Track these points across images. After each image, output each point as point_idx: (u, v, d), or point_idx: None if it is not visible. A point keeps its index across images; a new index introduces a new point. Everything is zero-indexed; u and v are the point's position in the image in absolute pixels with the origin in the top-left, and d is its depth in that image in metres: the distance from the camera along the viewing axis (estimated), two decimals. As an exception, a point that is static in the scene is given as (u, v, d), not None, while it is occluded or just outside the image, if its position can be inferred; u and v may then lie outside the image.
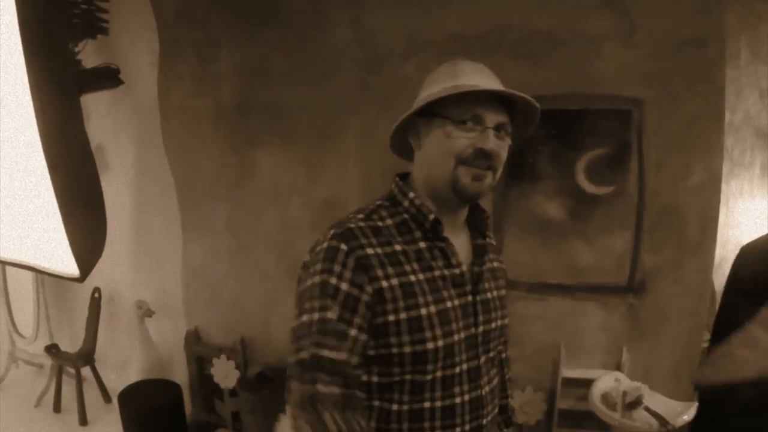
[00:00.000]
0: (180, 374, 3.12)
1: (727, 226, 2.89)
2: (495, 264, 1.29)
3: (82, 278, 2.50)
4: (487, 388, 1.18)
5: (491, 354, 1.21)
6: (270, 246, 2.94)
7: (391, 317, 1.05)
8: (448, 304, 1.10)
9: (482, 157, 1.08)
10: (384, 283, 1.05)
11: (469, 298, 1.15)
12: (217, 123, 2.95)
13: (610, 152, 2.59)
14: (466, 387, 1.13)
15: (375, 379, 1.09)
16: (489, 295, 1.21)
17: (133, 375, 2.97)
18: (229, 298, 3.03)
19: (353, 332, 1.03)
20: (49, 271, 2.61)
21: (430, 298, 1.08)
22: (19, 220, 2.67)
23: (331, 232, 1.08)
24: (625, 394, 2.49)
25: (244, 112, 2.90)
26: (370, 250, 1.06)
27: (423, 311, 1.06)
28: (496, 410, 1.25)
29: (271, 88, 2.85)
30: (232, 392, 2.95)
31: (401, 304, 1.05)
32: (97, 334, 3.20)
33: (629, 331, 2.72)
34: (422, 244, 1.12)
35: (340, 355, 1.02)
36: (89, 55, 2.91)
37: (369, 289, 1.04)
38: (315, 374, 1.00)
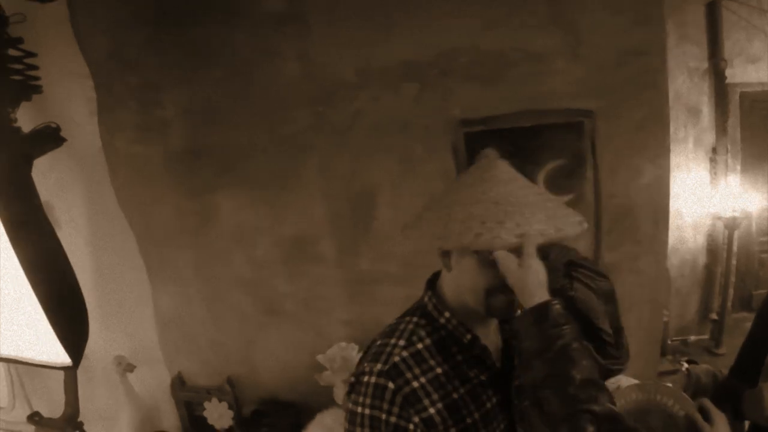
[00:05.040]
0: (171, 422, 3.12)
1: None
2: None
3: (75, 365, 2.47)
4: None
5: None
6: (243, 287, 2.93)
7: None
8: (488, 405, 1.22)
9: (509, 289, 1.15)
10: (431, 410, 1.16)
11: (505, 388, 1.26)
12: (170, 170, 2.84)
13: (567, 163, 2.70)
14: None
15: None
16: (517, 382, 1.30)
17: (124, 430, 2.96)
18: (209, 342, 3.03)
19: None
20: (41, 363, 2.57)
21: (473, 407, 1.20)
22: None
23: (377, 367, 1.18)
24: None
25: (197, 156, 2.81)
26: (415, 383, 1.17)
27: (468, 420, 1.19)
28: None
29: (222, 130, 2.76)
30: (229, 431, 3.01)
31: (450, 421, 1.17)
32: (78, 396, 3.13)
33: (597, 322, 2.92)
34: (459, 357, 1.23)
35: None
36: (24, 117, 2.72)
37: (416, 419, 1.15)
38: None
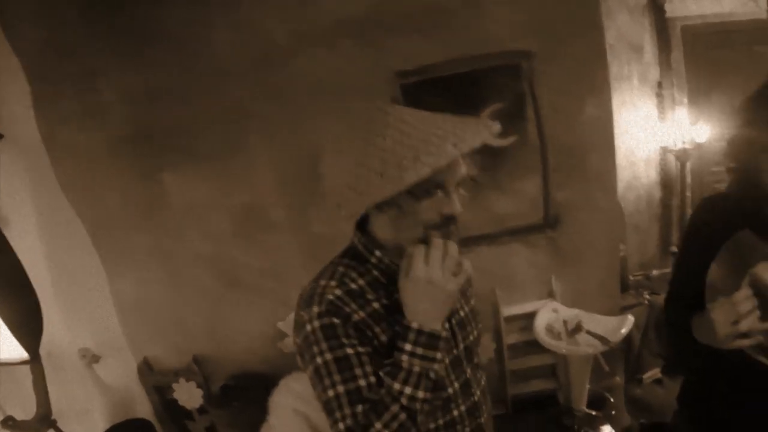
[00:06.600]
0: (144, 407, 3.11)
1: (617, 136, 3.07)
2: None
3: (32, 359, 2.45)
4: (478, 392, 1.29)
5: (475, 361, 1.32)
6: (200, 263, 2.92)
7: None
8: None
9: (449, 220, 1.11)
10: (375, 343, 1.12)
11: (446, 324, 1.18)
12: (115, 154, 2.79)
13: (507, 105, 2.71)
14: (461, 400, 1.24)
15: None
16: (462, 313, 1.30)
17: (99, 422, 2.93)
18: (172, 322, 3.01)
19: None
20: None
21: None
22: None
23: (315, 310, 1.10)
24: (565, 323, 2.73)
25: (140, 138, 2.76)
26: (356, 317, 1.11)
27: None
28: (489, 404, 1.37)
29: (163, 108, 2.72)
30: (201, 410, 3.01)
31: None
32: (48, 395, 3.10)
33: (554, 262, 2.96)
34: (396, 296, 1.14)
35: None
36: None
37: (370, 347, 1.11)
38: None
